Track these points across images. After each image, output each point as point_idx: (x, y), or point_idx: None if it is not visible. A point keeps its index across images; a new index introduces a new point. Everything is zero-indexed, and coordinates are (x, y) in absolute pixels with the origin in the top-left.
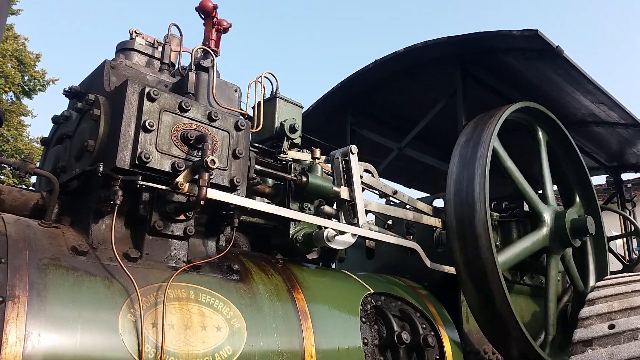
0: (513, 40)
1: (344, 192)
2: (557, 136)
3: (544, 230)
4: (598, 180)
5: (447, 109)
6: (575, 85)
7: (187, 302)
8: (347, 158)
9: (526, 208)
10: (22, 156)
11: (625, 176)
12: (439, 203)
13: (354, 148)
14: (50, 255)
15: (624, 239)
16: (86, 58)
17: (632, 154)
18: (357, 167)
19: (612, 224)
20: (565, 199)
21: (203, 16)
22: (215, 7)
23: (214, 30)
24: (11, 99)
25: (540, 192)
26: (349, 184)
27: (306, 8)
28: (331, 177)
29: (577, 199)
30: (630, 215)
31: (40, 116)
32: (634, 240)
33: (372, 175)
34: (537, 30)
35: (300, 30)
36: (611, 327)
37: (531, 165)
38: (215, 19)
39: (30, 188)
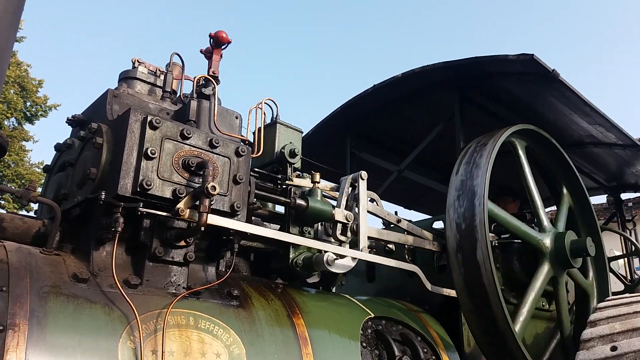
0: (509, 65)
1: (340, 215)
2: (555, 157)
3: (546, 265)
4: (599, 199)
5: (446, 132)
6: (572, 107)
7: (187, 328)
8: (357, 183)
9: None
10: (25, 183)
11: (626, 195)
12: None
13: (363, 174)
14: (51, 283)
15: (626, 259)
16: (90, 83)
17: (631, 174)
18: (365, 192)
19: (613, 244)
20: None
21: (214, 45)
22: (229, 43)
23: (219, 59)
24: (13, 124)
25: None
26: (351, 208)
27: (303, 38)
28: (330, 201)
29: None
30: (631, 234)
31: (41, 141)
32: (636, 260)
33: (377, 203)
34: (532, 54)
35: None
36: (613, 349)
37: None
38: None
39: (32, 214)
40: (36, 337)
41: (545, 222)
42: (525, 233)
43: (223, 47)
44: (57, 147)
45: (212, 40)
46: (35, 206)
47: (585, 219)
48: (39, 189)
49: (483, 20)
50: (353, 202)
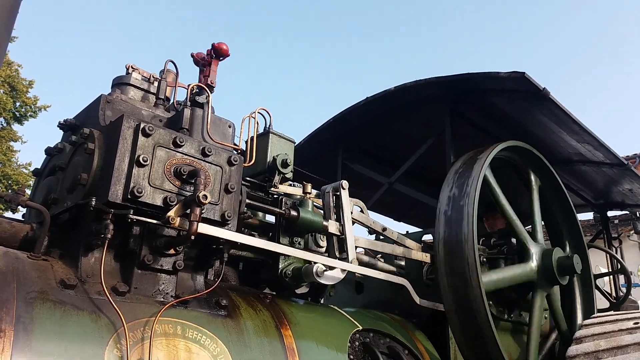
0: (501, 82)
1: (334, 227)
2: (543, 173)
3: (531, 264)
4: (586, 216)
5: (436, 146)
6: (561, 125)
7: (174, 337)
8: (338, 193)
9: (514, 240)
10: (12, 184)
11: (612, 212)
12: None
13: (344, 183)
14: (38, 289)
15: (611, 276)
16: (82, 85)
17: (617, 192)
18: (347, 202)
19: (600, 260)
20: (552, 236)
21: (214, 55)
22: (227, 56)
23: (216, 69)
24: (1, 124)
25: (529, 228)
26: (339, 219)
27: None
28: (322, 212)
29: (564, 237)
30: (617, 252)
31: (30, 142)
32: (621, 277)
33: (362, 211)
34: (524, 73)
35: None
36: None
37: (517, 200)
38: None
39: (20, 218)
40: (22, 343)
41: (540, 238)
42: (518, 227)
43: (221, 58)
44: (48, 150)
45: (212, 50)
46: (23, 209)
47: (572, 236)
48: (28, 191)
49: (484, 21)
50: (334, 211)
